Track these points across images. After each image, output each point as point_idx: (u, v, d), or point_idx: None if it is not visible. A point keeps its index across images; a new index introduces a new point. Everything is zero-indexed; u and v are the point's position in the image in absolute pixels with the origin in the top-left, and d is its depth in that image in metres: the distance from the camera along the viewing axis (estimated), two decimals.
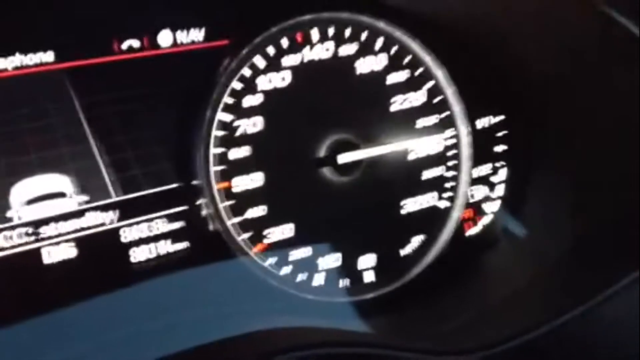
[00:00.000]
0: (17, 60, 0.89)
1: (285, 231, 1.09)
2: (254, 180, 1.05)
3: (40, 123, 0.92)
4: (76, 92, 0.93)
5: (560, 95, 1.13)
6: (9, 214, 0.92)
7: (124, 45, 0.94)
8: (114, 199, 0.98)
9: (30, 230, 0.93)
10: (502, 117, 1.21)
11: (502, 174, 1.24)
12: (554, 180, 1.22)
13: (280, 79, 1.04)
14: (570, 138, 1.16)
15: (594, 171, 1.14)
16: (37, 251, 0.94)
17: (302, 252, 1.11)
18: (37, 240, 0.94)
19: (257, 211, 1.06)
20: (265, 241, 1.08)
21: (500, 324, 1.10)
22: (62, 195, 0.95)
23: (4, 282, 0.92)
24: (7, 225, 0.92)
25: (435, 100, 1.15)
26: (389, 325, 1.15)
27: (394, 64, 1.11)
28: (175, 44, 0.97)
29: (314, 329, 1.06)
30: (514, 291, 1.15)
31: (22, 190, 0.92)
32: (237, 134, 1.03)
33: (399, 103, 1.12)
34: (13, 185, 0.92)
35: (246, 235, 1.06)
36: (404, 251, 1.19)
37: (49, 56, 0.90)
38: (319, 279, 1.13)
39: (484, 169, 1.22)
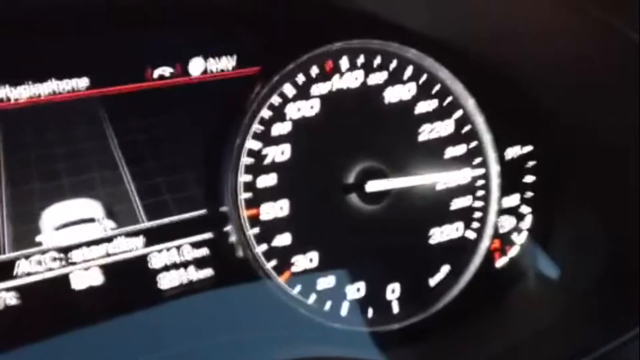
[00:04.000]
0: (51, 86, 0.90)
1: (311, 259, 1.09)
2: (281, 208, 1.05)
3: (73, 148, 0.93)
4: (108, 118, 0.94)
5: (589, 127, 1.13)
6: (39, 239, 0.92)
7: (156, 73, 0.95)
8: (143, 224, 0.98)
9: (60, 255, 0.94)
10: (530, 147, 1.21)
11: (531, 204, 1.23)
12: (583, 213, 1.21)
13: (309, 107, 1.05)
14: (598, 171, 1.15)
15: (623, 206, 1.12)
16: (66, 277, 0.95)
17: (328, 281, 1.11)
18: (66, 265, 0.94)
19: (283, 239, 1.06)
20: (292, 269, 1.08)
21: (528, 358, 1.08)
22: (92, 220, 0.96)
23: (34, 307, 0.93)
24: (37, 249, 0.92)
25: (464, 130, 1.15)
26: (414, 357, 1.14)
27: (423, 93, 1.11)
28: (206, 72, 0.98)
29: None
30: (541, 327, 1.13)
31: (53, 215, 0.93)
32: (266, 161, 1.03)
33: (427, 132, 1.12)
34: (44, 210, 0.92)
35: (272, 263, 1.06)
36: (431, 282, 1.18)
37: (83, 82, 0.92)
38: (345, 308, 1.12)
39: (513, 200, 1.21)
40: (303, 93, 1.04)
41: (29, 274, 0.92)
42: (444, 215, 1.17)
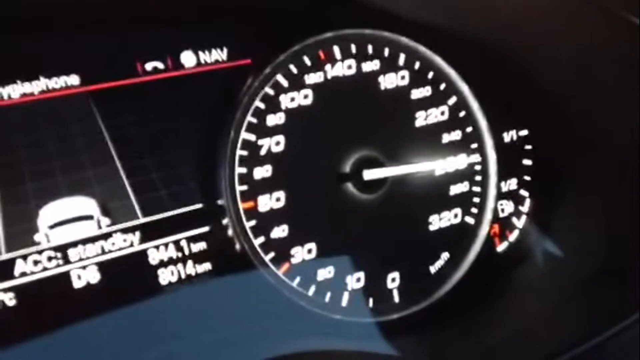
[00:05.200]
0: (42, 84, 0.90)
1: (309, 250, 1.08)
2: (278, 199, 1.05)
3: (67, 146, 0.93)
4: (101, 114, 0.94)
5: (585, 108, 1.12)
6: (36, 238, 0.92)
7: (148, 67, 0.95)
8: (141, 220, 0.98)
9: (58, 253, 0.93)
10: (526, 131, 1.20)
11: (530, 188, 1.22)
12: (581, 195, 1.20)
13: (302, 97, 1.04)
14: (596, 153, 1.15)
15: (623, 189, 1.12)
16: (63, 275, 0.94)
17: (327, 272, 1.10)
18: (63, 264, 0.94)
19: (280, 230, 1.06)
20: (290, 260, 1.07)
21: (530, 344, 1.08)
22: (87, 218, 0.95)
23: (34, 307, 0.92)
24: (34, 249, 0.92)
25: (460, 115, 1.15)
26: (417, 346, 1.13)
27: (418, 80, 1.11)
28: (198, 64, 0.97)
29: (342, 353, 1.04)
30: (542, 312, 1.13)
31: (50, 213, 0.92)
32: (261, 153, 1.02)
33: (423, 119, 1.12)
34: (40, 209, 0.92)
35: (271, 255, 1.06)
36: (432, 269, 1.17)
37: (74, 79, 0.91)
38: (345, 299, 1.12)
39: (511, 184, 1.21)
40: (296, 83, 1.03)
41: (26, 274, 0.92)
42: (442, 202, 1.16)
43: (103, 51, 0.93)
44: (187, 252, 1.01)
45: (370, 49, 1.07)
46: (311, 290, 1.09)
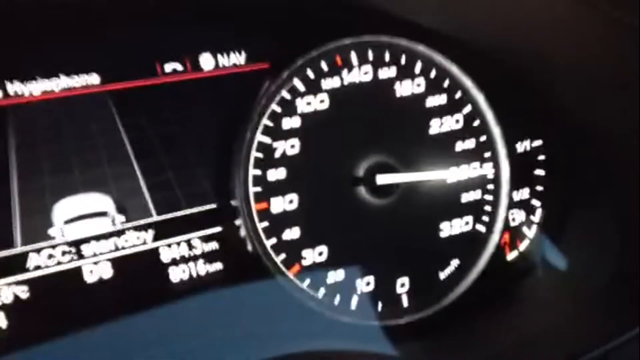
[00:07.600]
0: (63, 82, 0.91)
1: (320, 253, 1.09)
2: (291, 201, 1.06)
3: (84, 143, 0.94)
4: (120, 113, 0.95)
5: (600, 121, 1.12)
6: (51, 232, 0.94)
7: (167, 68, 0.96)
8: (155, 218, 0.99)
9: (72, 248, 0.95)
10: (540, 141, 1.20)
11: (541, 198, 1.22)
12: (593, 206, 1.20)
13: (319, 102, 1.05)
14: (609, 165, 1.15)
15: (635, 200, 1.12)
16: (78, 270, 0.96)
17: (337, 275, 1.11)
18: (79, 259, 0.95)
19: (292, 232, 1.06)
20: (301, 262, 1.08)
21: (537, 353, 1.08)
22: (102, 214, 0.96)
23: (47, 301, 0.94)
24: (49, 243, 0.94)
25: (474, 124, 1.15)
26: (424, 351, 1.14)
27: (433, 88, 1.11)
28: (216, 67, 0.98)
29: (350, 355, 1.05)
30: (551, 321, 1.13)
31: (65, 208, 0.94)
32: (276, 155, 1.03)
33: (437, 126, 1.12)
34: (56, 204, 0.93)
35: (282, 257, 1.06)
36: (441, 275, 1.18)
37: (94, 78, 0.92)
38: (354, 302, 1.13)
39: (523, 193, 1.21)
40: (313, 88, 1.04)
41: (40, 268, 0.93)
42: (454, 209, 1.17)
43: (123, 51, 0.94)
44: (199, 252, 1.02)
45: (387, 55, 1.07)
46: (321, 293, 1.10)
